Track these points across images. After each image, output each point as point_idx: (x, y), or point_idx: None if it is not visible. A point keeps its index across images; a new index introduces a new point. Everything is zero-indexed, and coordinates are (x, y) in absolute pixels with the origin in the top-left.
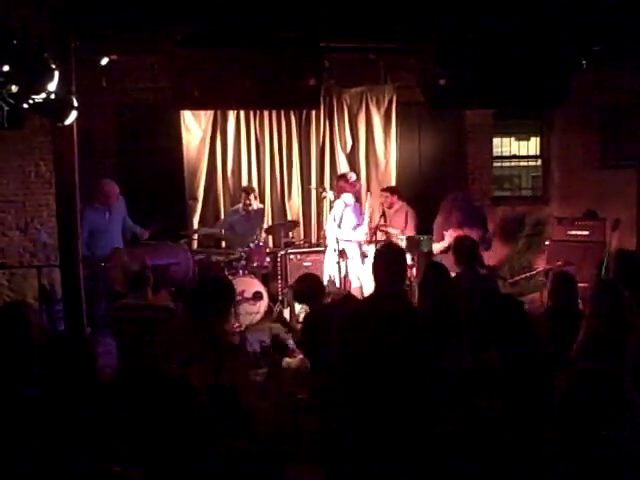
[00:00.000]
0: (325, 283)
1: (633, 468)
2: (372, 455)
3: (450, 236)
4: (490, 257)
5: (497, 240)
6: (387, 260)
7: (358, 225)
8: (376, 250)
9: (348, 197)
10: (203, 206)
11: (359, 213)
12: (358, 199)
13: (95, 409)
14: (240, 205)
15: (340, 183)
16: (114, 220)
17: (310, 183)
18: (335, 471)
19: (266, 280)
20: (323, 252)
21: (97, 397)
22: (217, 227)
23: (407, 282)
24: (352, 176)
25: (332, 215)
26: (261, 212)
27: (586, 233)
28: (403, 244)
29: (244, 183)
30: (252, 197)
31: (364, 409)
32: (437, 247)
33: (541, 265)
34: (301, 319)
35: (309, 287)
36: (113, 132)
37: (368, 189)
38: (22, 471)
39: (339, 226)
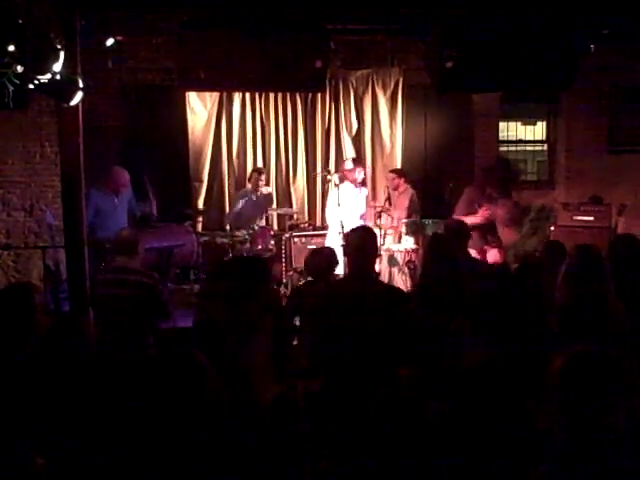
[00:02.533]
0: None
1: (631, 452)
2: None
3: (483, 213)
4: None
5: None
6: (357, 242)
7: (362, 215)
8: (347, 233)
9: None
10: (208, 188)
11: (358, 195)
12: (364, 184)
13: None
14: (249, 187)
15: (342, 169)
16: (120, 205)
17: (315, 165)
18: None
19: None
20: (327, 235)
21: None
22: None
23: (411, 265)
24: (347, 164)
25: (336, 199)
26: (270, 197)
27: (591, 218)
28: (405, 228)
29: (249, 165)
30: (263, 178)
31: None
32: (468, 221)
33: None
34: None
35: (322, 261)
36: (118, 113)
37: (373, 172)
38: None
39: (345, 210)
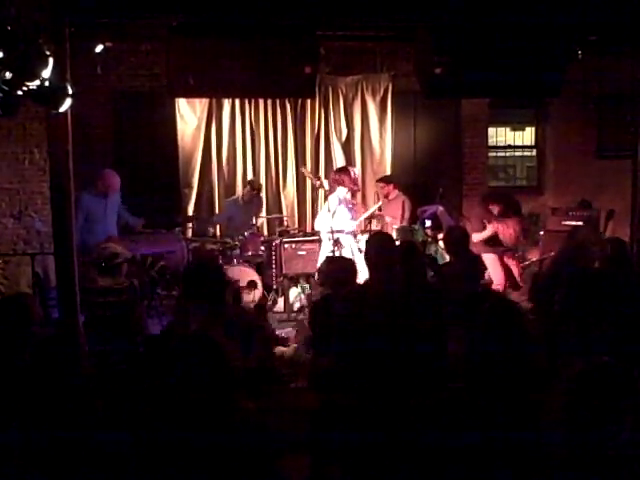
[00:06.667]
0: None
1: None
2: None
3: (493, 227)
4: None
5: None
6: (378, 246)
7: (352, 219)
8: (367, 238)
9: (342, 191)
10: (198, 194)
11: (352, 209)
12: (354, 195)
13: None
14: (239, 195)
15: (342, 176)
16: (110, 209)
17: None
18: (325, 460)
19: (260, 269)
20: (317, 241)
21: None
22: (215, 220)
23: None
24: (354, 172)
25: (326, 206)
26: (259, 199)
27: (580, 224)
28: (395, 233)
29: (239, 171)
30: (255, 194)
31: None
32: (478, 237)
33: (535, 255)
34: (296, 308)
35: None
36: (108, 119)
37: (363, 178)
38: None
39: (332, 217)
